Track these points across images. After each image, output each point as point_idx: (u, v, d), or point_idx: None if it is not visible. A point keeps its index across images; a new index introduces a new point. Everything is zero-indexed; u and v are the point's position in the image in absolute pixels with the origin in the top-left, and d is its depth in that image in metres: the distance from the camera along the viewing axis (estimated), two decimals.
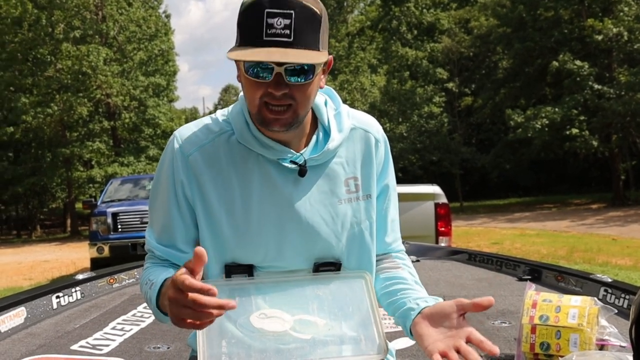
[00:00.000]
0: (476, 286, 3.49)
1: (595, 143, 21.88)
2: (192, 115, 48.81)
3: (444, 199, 6.75)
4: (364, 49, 33.55)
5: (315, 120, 1.32)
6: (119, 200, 10.85)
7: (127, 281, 3.60)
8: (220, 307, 0.99)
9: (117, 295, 3.39)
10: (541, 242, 12.88)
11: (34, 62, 24.01)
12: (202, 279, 1.33)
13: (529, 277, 3.35)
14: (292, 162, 1.25)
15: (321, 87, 1.28)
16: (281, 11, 1.10)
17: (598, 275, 2.81)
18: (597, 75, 22.01)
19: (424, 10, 31.52)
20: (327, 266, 1.30)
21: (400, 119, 27.99)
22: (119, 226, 9.67)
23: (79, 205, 23.83)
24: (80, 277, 3.28)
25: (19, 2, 22.69)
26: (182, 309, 1.01)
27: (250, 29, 1.12)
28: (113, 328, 2.74)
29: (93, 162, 26.38)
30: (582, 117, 21.74)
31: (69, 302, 3.05)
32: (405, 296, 1.28)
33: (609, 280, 2.67)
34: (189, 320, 1.02)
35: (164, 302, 1.11)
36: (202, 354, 1.14)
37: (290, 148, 1.26)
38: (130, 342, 2.55)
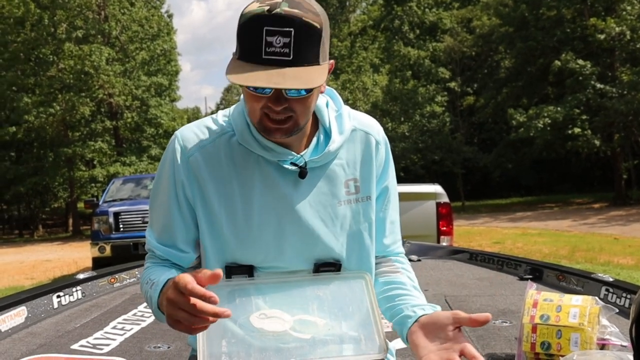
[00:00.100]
0: (477, 285, 3.49)
1: (597, 142, 21.87)
2: (194, 115, 48.82)
3: (445, 199, 6.74)
4: (366, 49, 33.57)
5: (316, 121, 1.32)
6: (121, 199, 10.85)
7: (127, 281, 3.61)
8: (216, 315, 1.00)
9: (117, 294, 3.40)
10: (543, 241, 12.86)
11: (36, 62, 24.06)
12: None
13: (530, 276, 3.35)
14: (293, 163, 1.25)
15: (322, 92, 1.28)
16: (280, 29, 1.08)
17: (599, 275, 2.81)
18: (599, 75, 22.00)
19: (426, 10, 31.51)
20: (328, 267, 1.30)
21: (402, 119, 27.99)
22: (121, 226, 9.68)
23: (81, 205, 23.84)
24: (81, 276, 3.28)
25: (21, 2, 22.74)
26: (178, 311, 1.02)
27: (250, 46, 1.10)
28: (113, 327, 2.74)
29: (95, 162, 26.41)
30: (584, 117, 21.72)
31: (69, 301, 3.06)
32: (403, 303, 1.29)
33: (610, 279, 2.67)
34: (183, 323, 1.03)
35: (164, 302, 1.11)
36: (202, 353, 1.14)
37: (291, 150, 1.26)
38: (131, 341, 2.56)
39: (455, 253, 4.55)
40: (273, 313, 1.21)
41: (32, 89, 23.76)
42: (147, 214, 9.29)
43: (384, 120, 26.58)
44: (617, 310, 1.73)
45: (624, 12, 21.46)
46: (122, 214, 9.75)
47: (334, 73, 29.41)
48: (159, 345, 2.49)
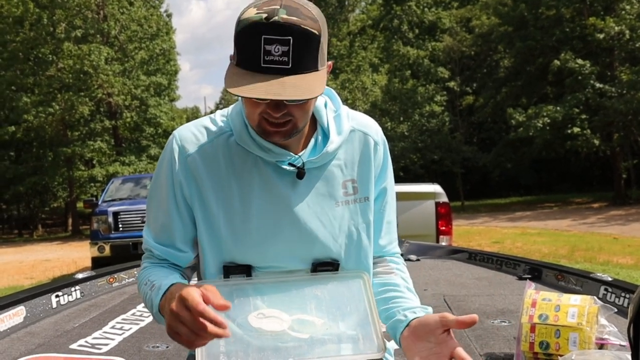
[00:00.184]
0: (476, 285, 3.49)
1: (596, 142, 21.87)
2: (193, 114, 48.82)
3: (444, 198, 6.74)
4: (365, 48, 33.55)
5: (314, 122, 1.32)
6: (120, 199, 10.85)
7: (126, 280, 3.61)
8: (216, 335, 1.01)
9: (116, 294, 3.40)
10: (542, 241, 12.87)
11: (35, 62, 24.04)
12: (200, 279, 1.33)
13: (529, 276, 3.35)
14: (291, 164, 1.25)
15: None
16: (279, 38, 1.07)
17: (598, 274, 2.81)
18: (598, 74, 22.00)
19: (426, 9, 31.50)
20: (325, 266, 1.30)
21: (401, 118, 27.98)
22: (120, 225, 9.67)
23: (80, 205, 23.85)
24: (79, 276, 3.28)
25: (20, 2, 22.73)
26: (180, 325, 1.03)
27: (248, 55, 1.10)
28: (112, 327, 2.74)
29: (94, 162, 26.40)
30: (583, 116, 21.73)
31: (68, 301, 3.06)
32: (396, 306, 1.29)
33: (609, 279, 2.67)
34: (183, 337, 1.04)
35: (166, 310, 1.11)
36: (201, 352, 1.14)
37: (289, 150, 1.26)
38: (130, 341, 2.56)
39: (454, 253, 4.56)
40: (271, 313, 1.21)
41: (31, 88, 23.73)
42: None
43: (383, 119, 26.59)
44: (616, 310, 1.73)
45: (623, 12, 21.47)
46: (121, 213, 9.75)
47: (333, 73, 29.39)
48: (157, 344, 2.49)
